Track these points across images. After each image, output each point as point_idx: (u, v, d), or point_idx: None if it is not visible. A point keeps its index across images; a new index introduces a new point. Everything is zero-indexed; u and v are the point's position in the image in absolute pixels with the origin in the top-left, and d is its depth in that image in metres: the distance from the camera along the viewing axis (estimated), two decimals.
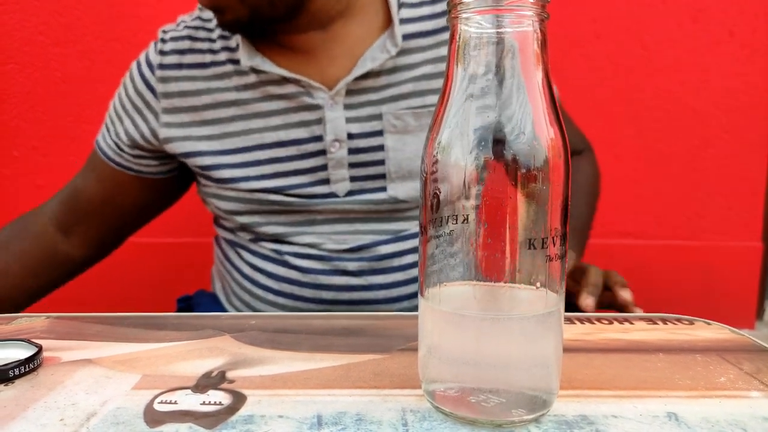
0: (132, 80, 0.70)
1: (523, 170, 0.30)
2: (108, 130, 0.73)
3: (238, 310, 0.73)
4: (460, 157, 0.30)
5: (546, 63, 0.30)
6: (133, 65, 0.71)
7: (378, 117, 0.64)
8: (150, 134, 0.69)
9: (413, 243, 0.65)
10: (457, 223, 0.30)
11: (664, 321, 0.48)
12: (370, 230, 0.66)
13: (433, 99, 0.65)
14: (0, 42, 1.52)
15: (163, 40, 0.69)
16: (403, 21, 0.64)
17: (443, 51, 0.64)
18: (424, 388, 0.33)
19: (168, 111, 0.67)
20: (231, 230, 0.73)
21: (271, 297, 0.68)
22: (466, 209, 0.30)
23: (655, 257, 1.52)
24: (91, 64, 1.51)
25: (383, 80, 0.64)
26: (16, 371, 0.35)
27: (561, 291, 0.31)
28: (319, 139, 0.65)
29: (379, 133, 0.65)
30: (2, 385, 0.35)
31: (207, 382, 0.35)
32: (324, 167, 0.65)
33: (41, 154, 1.53)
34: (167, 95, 0.67)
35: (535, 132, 0.30)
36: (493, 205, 0.30)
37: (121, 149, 0.71)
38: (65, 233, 0.75)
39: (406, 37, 0.64)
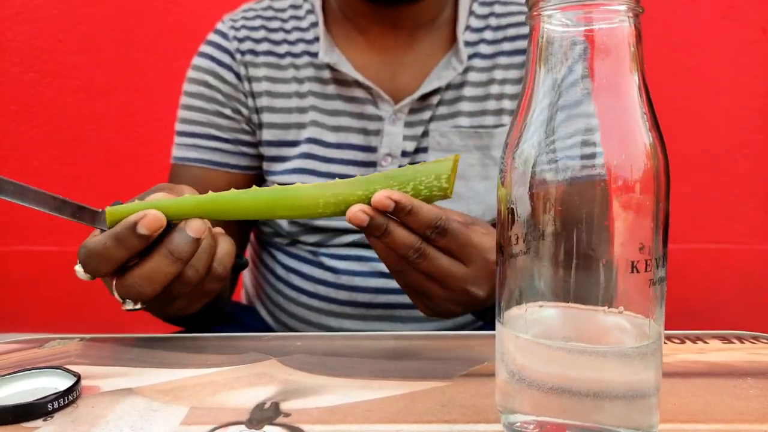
0: (212, 74, 0.67)
1: (619, 182, 0.26)
2: (208, 137, 0.67)
3: (270, 313, 0.71)
4: (545, 167, 0.27)
5: (641, 63, 0.27)
6: (202, 62, 0.67)
7: (426, 134, 0.64)
8: (247, 120, 0.67)
9: None
10: (543, 240, 0.27)
11: (740, 339, 0.44)
12: None
13: (481, 121, 0.65)
14: (19, 51, 1.51)
15: (235, 28, 0.67)
16: (464, 43, 0.65)
17: (497, 75, 0.65)
18: (504, 421, 0.30)
19: (250, 95, 0.67)
20: (267, 232, 0.71)
21: (304, 299, 0.66)
22: (552, 225, 0.27)
23: (690, 261, 1.47)
24: (111, 73, 1.49)
25: (437, 98, 0.64)
26: (55, 404, 0.33)
27: (661, 318, 0.28)
28: (372, 150, 0.65)
29: (425, 149, 0.65)
30: (41, 420, 0.32)
31: (261, 416, 0.32)
32: None
33: (61, 164, 1.52)
34: (249, 79, 0.66)
35: (631, 139, 0.27)
36: (583, 222, 0.27)
37: (241, 146, 0.67)
38: None
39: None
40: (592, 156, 0.27)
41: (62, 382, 0.35)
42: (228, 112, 0.67)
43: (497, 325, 0.30)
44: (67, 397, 0.34)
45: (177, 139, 0.68)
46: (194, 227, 0.38)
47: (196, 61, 0.68)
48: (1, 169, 1.52)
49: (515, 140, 0.28)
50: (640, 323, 0.27)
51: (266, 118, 0.66)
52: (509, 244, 0.28)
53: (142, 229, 0.37)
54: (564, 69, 0.27)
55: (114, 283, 0.40)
